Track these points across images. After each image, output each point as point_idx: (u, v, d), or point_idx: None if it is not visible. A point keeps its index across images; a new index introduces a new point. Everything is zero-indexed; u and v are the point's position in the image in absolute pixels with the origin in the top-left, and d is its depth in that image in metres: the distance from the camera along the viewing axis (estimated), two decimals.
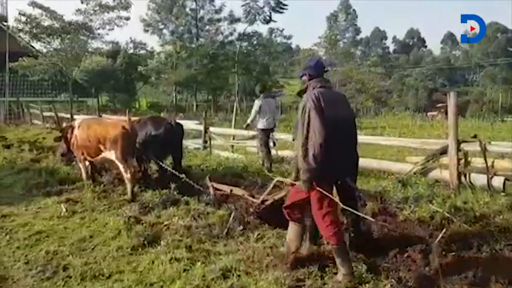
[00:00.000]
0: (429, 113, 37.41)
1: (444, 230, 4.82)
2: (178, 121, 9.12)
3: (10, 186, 8.67)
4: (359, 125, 20.96)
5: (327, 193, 3.85)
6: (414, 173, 7.36)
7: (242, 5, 23.01)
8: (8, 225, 5.99)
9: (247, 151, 11.96)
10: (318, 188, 3.83)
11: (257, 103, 9.51)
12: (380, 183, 7.14)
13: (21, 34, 26.61)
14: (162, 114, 14.25)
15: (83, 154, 7.96)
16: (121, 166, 7.28)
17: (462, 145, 6.81)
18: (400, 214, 5.65)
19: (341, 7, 73.00)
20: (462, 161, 6.79)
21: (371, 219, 4.34)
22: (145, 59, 43.71)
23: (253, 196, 5.74)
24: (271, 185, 5.28)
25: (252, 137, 10.93)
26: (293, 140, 4.25)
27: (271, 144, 9.72)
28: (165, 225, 5.52)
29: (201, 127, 12.72)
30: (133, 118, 10.60)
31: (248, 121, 9.82)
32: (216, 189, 6.59)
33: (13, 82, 31.31)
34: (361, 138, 8.98)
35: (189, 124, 14.48)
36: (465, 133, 8.83)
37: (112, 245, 4.98)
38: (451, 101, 6.80)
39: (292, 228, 4.32)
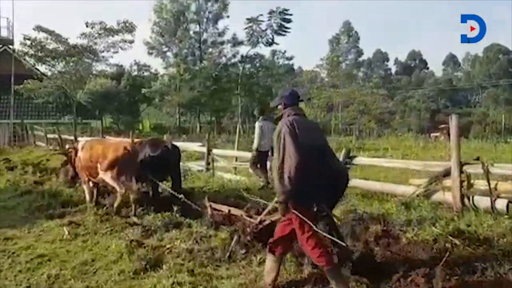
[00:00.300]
0: (432, 134, 37.44)
1: (447, 254, 4.80)
2: (176, 143, 9.29)
3: (13, 208, 8.71)
4: (362, 146, 20.94)
5: (302, 217, 3.97)
6: (417, 196, 7.32)
7: (245, 28, 23.13)
8: (10, 248, 6.00)
9: (250, 173, 11.94)
10: (294, 211, 3.99)
11: (258, 125, 9.71)
12: (383, 205, 7.11)
13: (26, 57, 26.95)
14: (165, 136, 14.31)
15: (87, 175, 8.08)
16: (116, 186, 7.47)
17: (465, 167, 6.78)
18: (403, 237, 5.61)
19: (343, 29, 73.70)
20: (465, 183, 6.75)
21: (343, 243, 4.32)
22: (149, 81, 44.08)
23: (251, 217, 5.72)
24: (270, 206, 5.21)
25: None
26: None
27: (268, 165, 9.73)
28: (167, 249, 5.51)
29: (204, 149, 12.74)
30: (135, 140, 10.74)
31: (255, 146, 9.84)
32: (214, 209, 6.58)
33: (17, 104, 31.56)
34: (364, 160, 9.03)
35: (192, 146, 14.53)
36: (468, 154, 8.82)
37: (114, 269, 4.96)
38: (453, 123, 6.82)
39: (269, 260, 4.40)
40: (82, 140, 11.41)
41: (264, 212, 5.35)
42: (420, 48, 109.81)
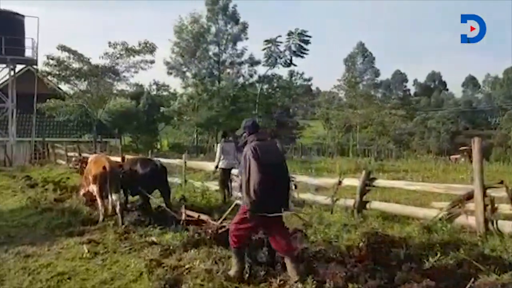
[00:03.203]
0: (452, 156, 36.89)
1: (472, 280, 4.69)
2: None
3: (33, 225, 8.79)
4: (380, 168, 20.73)
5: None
6: (440, 219, 7.20)
7: (263, 49, 23.27)
8: (31, 266, 6.05)
9: None
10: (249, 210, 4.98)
11: (219, 146, 11.08)
12: (405, 228, 7.00)
13: (49, 76, 27.52)
14: (183, 155, 14.39)
15: (86, 185, 9.35)
16: (98, 199, 8.55)
17: (488, 191, 6.67)
18: (426, 261, 5.51)
19: (357, 50, 73.77)
20: (489, 207, 6.63)
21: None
22: (168, 101, 44.50)
23: (214, 221, 6.75)
24: (229, 210, 6.33)
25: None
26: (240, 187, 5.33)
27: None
28: (186, 269, 5.47)
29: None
30: (128, 157, 12.33)
31: (215, 163, 11.09)
32: (187, 215, 7.67)
33: (39, 122, 32.15)
34: (384, 182, 8.92)
35: (210, 166, 14.55)
36: (490, 177, 8.67)
37: None
38: (475, 146, 6.73)
39: (233, 254, 5.32)
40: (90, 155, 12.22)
41: (223, 216, 6.47)
42: (440, 69, 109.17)
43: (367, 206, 8.28)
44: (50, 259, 6.30)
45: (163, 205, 8.89)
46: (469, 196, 6.97)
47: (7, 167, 23.48)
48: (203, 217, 7.45)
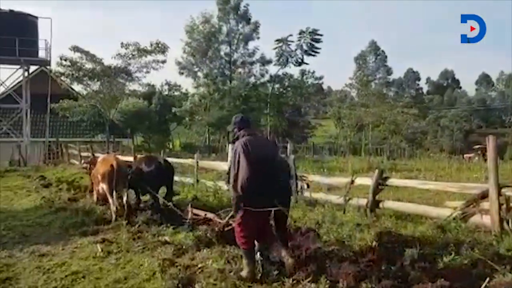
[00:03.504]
0: (465, 155, 36.50)
1: (487, 280, 4.64)
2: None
3: (48, 225, 8.88)
4: (394, 167, 20.58)
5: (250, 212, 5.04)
6: (454, 218, 7.12)
7: (274, 48, 23.22)
8: (45, 265, 6.11)
9: None
10: (245, 207, 5.05)
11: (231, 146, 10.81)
12: (418, 227, 6.93)
13: (62, 77, 27.79)
14: (195, 155, 14.43)
15: (95, 183, 9.55)
16: (108, 196, 8.69)
17: (503, 190, 6.58)
18: (440, 261, 5.45)
19: (370, 48, 73.27)
20: (504, 206, 6.55)
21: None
22: (179, 101, 44.70)
23: (221, 219, 6.75)
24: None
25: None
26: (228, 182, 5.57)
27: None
28: (199, 268, 5.49)
29: None
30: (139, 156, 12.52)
31: (228, 163, 10.78)
32: (194, 214, 7.77)
33: (53, 123, 32.49)
34: (397, 181, 8.86)
35: (222, 165, 14.57)
36: (504, 176, 8.58)
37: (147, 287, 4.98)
38: (490, 144, 6.65)
39: (244, 255, 5.34)
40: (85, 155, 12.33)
41: (228, 216, 6.38)
42: (453, 67, 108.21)
43: (380, 205, 8.22)
44: (64, 258, 6.36)
45: (170, 204, 8.88)
46: (484, 195, 6.89)
47: (22, 167, 23.74)
48: (210, 215, 7.54)
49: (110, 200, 8.72)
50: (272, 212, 5.30)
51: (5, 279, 5.60)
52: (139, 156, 12.80)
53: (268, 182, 5.13)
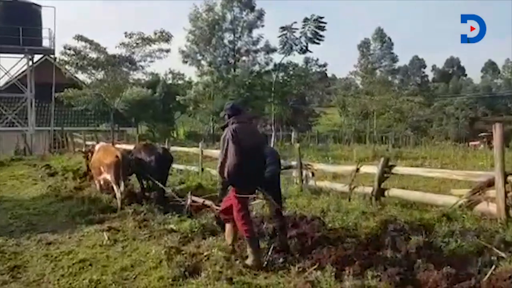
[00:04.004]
0: (471, 143, 36.37)
1: (493, 267, 4.64)
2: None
3: (54, 213, 8.95)
4: (399, 155, 20.52)
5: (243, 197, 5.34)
6: (460, 206, 7.11)
7: (279, 36, 23.07)
8: (53, 253, 6.16)
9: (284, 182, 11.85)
10: (236, 195, 5.30)
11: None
12: (424, 215, 6.92)
13: (67, 66, 27.73)
14: (200, 144, 14.47)
15: (96, 173, 9.93)
16: (114, 185, 8.94)
17: (510, 178, 6.55)
18: (446, 249, 5.46)
19: (376, 35, 72.61)
20: (510, 194, 6.52)
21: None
22: (183, 89, 44.64)
23: (218, 206, 6.73)
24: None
25: (289, 167, 10.88)
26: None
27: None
28: (205, 256, 5.52)
29: None
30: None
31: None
32: (193, 201, 8.07)
33: (58, 112, 32.52)
34: (402, 169, 8.82)
35: None
36: (510, 163, 8.51)
37: (154, 275, 5.01)
38: (497, 132, 6.60)
39: (227, 227, 5.80)
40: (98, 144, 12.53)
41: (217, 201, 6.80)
42: (458, 54, 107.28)
43: (386, 193, 8.21)
44: (71, 246, 6.41)
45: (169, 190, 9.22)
46: (490, 183, 6.86)
47: (27, 156, 23.84)
48: (207, 202, 7.74)
49: (116, 189, 8.90)
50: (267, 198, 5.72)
51: (13, 267, 5.65)
52: (137, 144, 12.82)
53: (256, 169, 5.34)
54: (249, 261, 5.18)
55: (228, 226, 5.80)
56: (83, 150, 12.44)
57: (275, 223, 5.93)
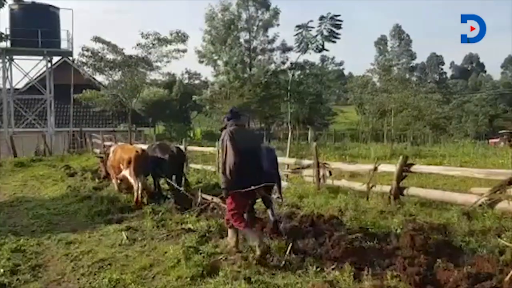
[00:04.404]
0: (491, 140, 35.83)
1: None
2: (191, 147, 11.21)
3: (74, 213, 9.06)
4: (418, 153, 20.32)
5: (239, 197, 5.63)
6: (480, 205, 7.00)
7: (295, 35, 22.98)
8: (73, 252, 6.24)
9: (302, 181, 11.83)
10: (232, 195, 5.64)
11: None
12: (444, 214, 6.84)
13: (84, 67, 28.09)
14: (216, 143, 14.53)
15: (114, 173, 10.37)
16: (133, 181, 9.29)
17: None
18: (466, 248, 5.38)
19: (394, 32, 71.88)
20: None
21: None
22: (199, 89, 44.83)
23: (224, 203, 6.88)
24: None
25: (308, 166, 10.85)
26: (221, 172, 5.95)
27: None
28: (223, 255, 5.53)
29: None
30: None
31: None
32: (203, 198, 8.36)
33: (76, 113, 32.96)
34: (422, 168, 8.71)
35: None
36: None
37: (172, 275, 5.04)
38: None
39: (230, 231, 5.97)
40: (107, 144, 13.26)
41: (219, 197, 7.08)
42: (477, 50, 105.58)
43: (404, 192, 8.12)
44: (91, 246, 6.48)
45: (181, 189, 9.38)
46: (511, 181, 6.75)
47: (47, 157, 24.17)
48: (216, 200, 8.04)
49: (135, 184, 9.25)
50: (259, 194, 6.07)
51: (34, 266, 5.75)
52: (151, 144, 13.09)
53: (252, 168, 5.69)
54: (257, 252, 5.27)
55: (230, 231, 5.98)
56: (98, 154, 12.78)
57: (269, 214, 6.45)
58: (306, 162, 10.99)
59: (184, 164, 10.70)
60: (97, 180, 12.79)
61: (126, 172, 9.60)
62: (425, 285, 4.41)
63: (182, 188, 9.34)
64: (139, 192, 9.10)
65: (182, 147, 13.03)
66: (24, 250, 6.43)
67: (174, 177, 9.88)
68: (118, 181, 10.48)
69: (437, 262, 4.91)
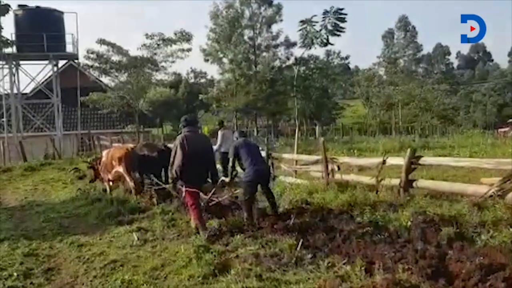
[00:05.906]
0: (499, 130, 35.51)
1: None
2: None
3: (84, 215, 9.13)
4: (426, 145, 20.18)
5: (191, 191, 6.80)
6: (491, 196, 6.94)
7: (299, 30, 22.97)
8: (85, 254, 6.29)
9: (310, 176, 11.80)
10: (186, 189, 6.80)
11: (220, 133, 12.65)
12: (454, 206, 6.80)
13: (90, 70, 28.23)
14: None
15: (106, 174, 10.89)
16: (126, 176, 10.02)
17: None
18: (478, 240, 5.35)
19: (400, 24, 71.31)
20: None
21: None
22: (205, 88, 44.86)
23: (206, 195, 7.59)
24: (216, 187, 7.51)
25: (316, 162, 10.83)
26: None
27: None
28: (234, 253, 5.54)
29: (263, 153, 12.72)
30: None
31: (216, 148, 11.94)
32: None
33: (84, 115, 33.17)
34: (430, 160, 8.64)
35: None
36: None
37: (184, 274, 5.06)
38: None
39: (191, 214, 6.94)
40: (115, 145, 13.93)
41: (211, 193, 7.57)
42: (484, 39, 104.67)
43: (414, 184, 8.07)
44: (103, 248, 6.53)
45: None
46: None
47: (56, 160, 24.33)
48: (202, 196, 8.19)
49: (128, 178, 10.04)
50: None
51: (47, 269, 5.81)
52: (139, 144, 13.57)
53: (199, 169, 6.77)
54: (202, 235, 6.31)
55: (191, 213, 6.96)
56: (88, 161, 13.38)
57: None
58: (314, 158, 10.94)
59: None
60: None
61: (120, 169, 10.21)
62: (437, 277, 4.39)
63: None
64: (135, 186, 9.94)
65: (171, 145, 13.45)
66: (37, 254, 6.50)
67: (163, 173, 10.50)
68: (110, 183, 11.05)
69: (449, 254, 4.89)
